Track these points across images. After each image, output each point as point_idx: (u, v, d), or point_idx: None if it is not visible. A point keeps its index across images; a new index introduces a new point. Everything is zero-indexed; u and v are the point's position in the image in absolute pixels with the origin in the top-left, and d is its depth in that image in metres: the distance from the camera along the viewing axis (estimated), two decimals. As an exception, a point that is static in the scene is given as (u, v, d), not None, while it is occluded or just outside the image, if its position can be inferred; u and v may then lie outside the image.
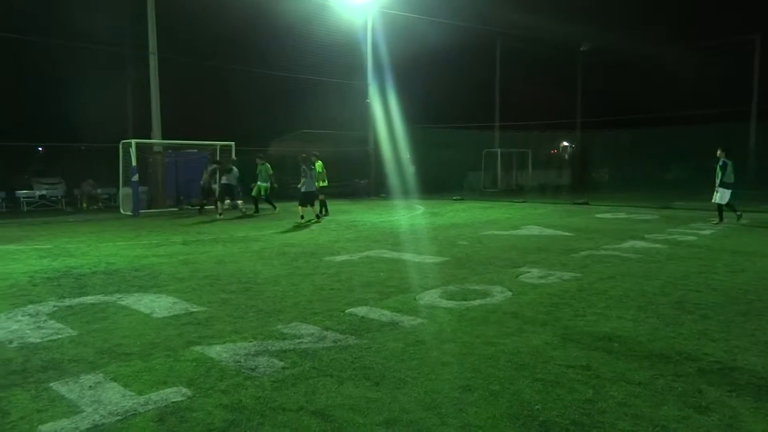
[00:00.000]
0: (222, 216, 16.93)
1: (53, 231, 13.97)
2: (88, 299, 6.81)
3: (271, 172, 18.21)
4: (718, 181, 13.58)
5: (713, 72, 32.37)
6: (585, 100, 38.32)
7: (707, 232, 12.60)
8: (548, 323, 5.65)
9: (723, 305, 6.27)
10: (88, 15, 23.76)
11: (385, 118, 27.67)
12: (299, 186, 15.33)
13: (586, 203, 20.37)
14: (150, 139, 20.41)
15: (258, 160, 18.25)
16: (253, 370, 4.44)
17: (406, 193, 25.41)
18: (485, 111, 34.55)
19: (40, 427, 3.54)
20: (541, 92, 34.48)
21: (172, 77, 22.05)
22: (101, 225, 15.42)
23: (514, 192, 29.36)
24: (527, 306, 6.31)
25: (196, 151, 21.93)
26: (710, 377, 4.23)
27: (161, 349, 4.95)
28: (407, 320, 5.78)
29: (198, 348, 4.97)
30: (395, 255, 9.84)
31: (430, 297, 6.77)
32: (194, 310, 6.28)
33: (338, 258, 9.59)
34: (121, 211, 19.12)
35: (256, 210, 18.33)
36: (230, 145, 20.75)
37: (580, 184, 34.43)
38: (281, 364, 4.57)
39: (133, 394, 4.00)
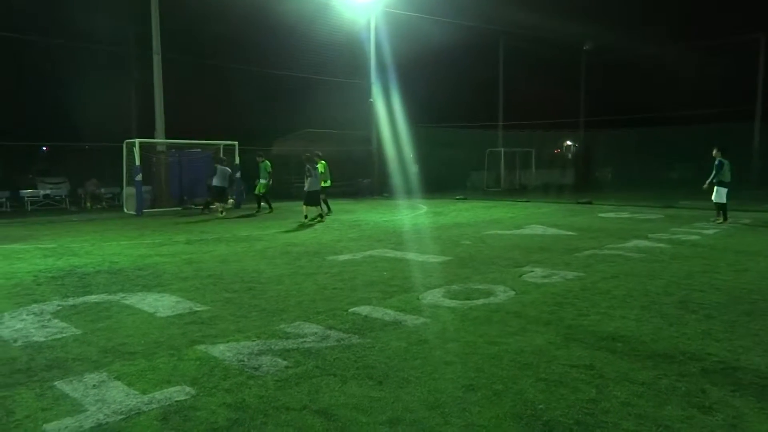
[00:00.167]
0: (224, 215, 16.93)
1: (57, 230, 14.02)
2: (92, 298, 6.83)
3: (269, 169, 18.23)
4: (714, 180, 13.79)
5: (717, 71, 32.29)
6: (588, 100, 38.25)
7: (711, 231, 12.56)
8: (551, 323, 5.64)
9: (727, 305, 6.26)
10: (91, 15, 23.82)
11: (389, 117, 27.67)
12: (305, 187, 15.32)
13: (590, 202, 20.33)
14: (153, 138, 20.45)
15: (258, 159, 18.34)
16: (256, 369, 4.45)
17: (409, 193, 25.41)
18: (488, 110, 34.53)
19: (44, 425, 3.55)
20: (545, 91, 34.42)
21: (175, 77, 22.09)
22: (105, 224, 15.46)
23: (517, 191, 29.32)
24: (530, 305, 6.31)
25: (199, 150, 21.96)
26: (714, 377, 4.23)
27: (165, 348, 4.96)
28: (410, 319, 5.78)
29: (201, 347, 4.98)
30: (398, 254, 9.84)
31: (433, 296, 6.77)
32: (198, 309, 6.29)
33: (341, 257, 9.59)
34: (125, 210, 19.17)
35: (258, 209, 18.39)
36: (233, 145, 20.79)
37: (584, 183, 34.37)
38: (284, 363, 4.58)
39: (136, 392, 4.01)
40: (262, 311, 6.17)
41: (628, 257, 9.35)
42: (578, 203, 20.40)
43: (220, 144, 20.94)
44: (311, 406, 3.79)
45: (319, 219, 15.56)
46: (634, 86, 36.03)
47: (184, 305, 6.45)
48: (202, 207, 18.84)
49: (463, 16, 29.17)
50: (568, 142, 41.80)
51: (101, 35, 23.87)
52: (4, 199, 20.23)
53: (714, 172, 13.75)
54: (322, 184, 16.65)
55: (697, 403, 3.79)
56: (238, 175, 20.79)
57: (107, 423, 3.56)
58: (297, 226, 14.37)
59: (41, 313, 6.17)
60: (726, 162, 13.71)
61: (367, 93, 27.63)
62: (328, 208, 17.34)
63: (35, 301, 6.69)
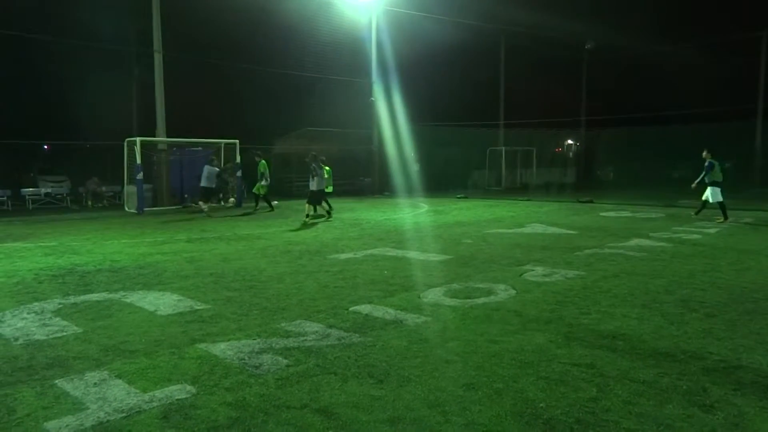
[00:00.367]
0: (205, 214, 16.75)
1: (58, 229, 14.03)
2: (93, 297, 6.84)
3: (262, 170, 18.30)
4: (707, 181, 14.08)
5: (719, 70, 32.23)
6: (590, 98, 38.21)
7: (712, 230, 12.55)
8: (552, 321, 5.64)
9: (728, 304, 6.25)
10: (93, 13, 23.84)
11: (390, 116, 27.65)
12: (311, 186, 15.26)
13: (591, 201, 20.31)
14: (154, 137, 20.47)
15: (256, 158, 18.43)
16: (257, 367, 4.45)
17: (410, 192, 25.40)
18: (490, 109, 34.49)
19: (45, 424, 3.55)
20: (546, 90, 34.39)
21: (177, 75, 22.09)
22: (106, 223, 15.47)
23: (518, 190, 29.30)
24: (531, 304, 6.30)
25: (200, 149, 21.97)
26: (715, 376, 4.22)
27: (166, 347, 4.96)
28: (411, 318, 5.78)
29: (202, 345, 4.98)
30: (399, 253, 9.84)
31: (434, 295, 6.77)
32: (199, 307, 6.29)
33: (342, 256, 9.59)
34: (126, 208, 19.18)
35: (256, 207, 18.54)
36: (234, 143, 20.80)
37: (585, 182, 34.37)
38: (285, 361, 4.58)
39: (137, 391, 4.01)
40: (262, 310, 6.17)
41: (629, 256, 9.34)
42: (579, 202, 20.39)
43: (221, 142, 20.95)
44: (312, 404, 3.79)
45: (327, 217, 15.47)
46: (636, 85, 35.99)
47: (185, 304, 6.45)
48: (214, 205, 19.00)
49: (465, 15, 29.15)
50: (569, 141, 41.76)
51: (103, 34, 23.86)
52: (5, 198, 20.26)
53: (704, 173, 14.07)
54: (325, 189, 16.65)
55: (698, 401, 3.79)
56: (239, 174, 20.81)
57: (108, 421, 3.57)
58: (299, 225, 14.37)
59: (42, 311, 6.18)
60: (716, 162, 14.02)
61: (369, 92, 27.61)
62: (329, 207, 17.32)
63: (36, 300, 6.70)
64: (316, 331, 5.35)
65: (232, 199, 20.61)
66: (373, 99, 27.57)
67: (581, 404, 3.75)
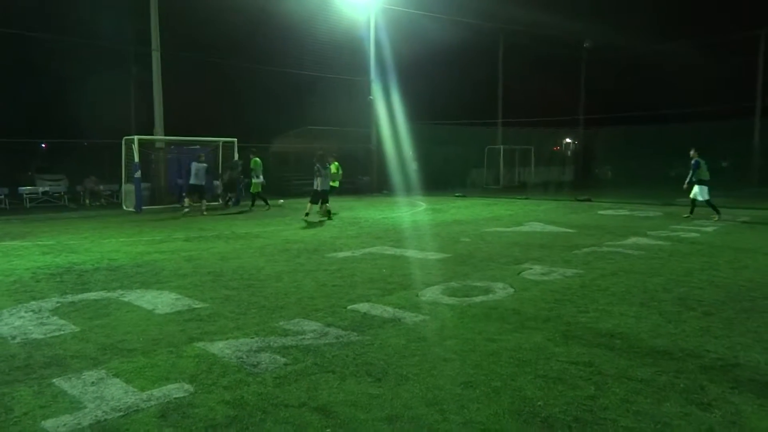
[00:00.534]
0: (186, 212, 16.57)
1: (56, 227, 14.00)
2: (91, 295, 6.83)
3: (254, 167, 18.38)
4: (694, 179, 14.27)
5: (717, 69, 32.25)
6: (588, 97, 38.23)
7: (710, 228, 12.57)
8: (550, 320, 5.64)
9: (725, 302, 6.26)
10: (91, 12, 23.79)
11: (388, 114, 27.63)
12: (315, 186, 15.25)
13: (589, 200, 20.33)
14: (152, 135, 20.43)
15: (251, 155, 18.50)
16: (255, 366, 4.45)
17: (408, 190, 25.39)
18: (488, 107, 34.48)
19: (43, 422, 3.55)
20: (544, 89, 34.39)
21: (175, 74, 22.05)
22: (104, 221, 15.45)
23: (516, 189, 29.31)
24: (529, 302, 6.31)
25: (198, 147, 21.92)
26: (713, 374, 4.23)
27: (163, 346, 4.96)
28: (409, 317, 5.78)
29: (200, 344, 4.98)
30: (397, 251, 9.84)
31: (432, 293, 6.77)
32: (197, 306, 6.29)
33: (341, 254, 9.59)
34: (124, 207, 19.15)
35: (252, 205, 18.57)
36: (232, 142, 20.78)
37: (583, 180, 34.40)
38: (283, 360, 4.57)
39: (135, 390, 4.01)
40: (261, 308, 6.17)
41: (627, 254, 9.35)
42: (577, 200, 20.40)
43: (219, 141, 20.92)
44: (310, 403, 3.79)
45: (327, 218, 15.45)
46: (634, 84, 36.01)
47: (183, 302, 6.45)
48: (224, 203, 19.01)
49: (463, 14, 29.13)
50: (568, 140, 41.78)
51: (101, 32, 23.81)
52: (2, 196, 20.20)
53: (691, 171, 14.24)
54: (331, 184, 16.64)
55: (695, 400, 3.79)
56: (228, 174, 20.75)
57: (106, 420, 3.56)
58: (294, 223, 14.36)
59: (40, 310, 6.17)
60: (702, 161, 14.19)
61: (367, 90, 27.60)
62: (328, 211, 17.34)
63: (34, 298, 6.69)
64: (315, 330, 5.35)
65: (230, 198, 20.59)
66: (371, 98, 27.55)
67: (579, 402, 3.75)
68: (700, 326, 5.39)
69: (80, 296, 6.79)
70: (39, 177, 22.99)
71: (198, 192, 17.02)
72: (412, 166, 28.16)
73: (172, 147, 21.58)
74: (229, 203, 19.50)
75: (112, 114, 24.84)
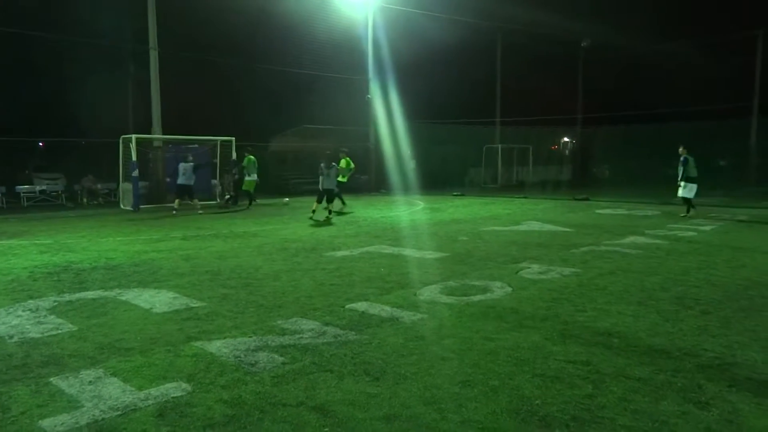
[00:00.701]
0: (175, 213, 16.56)
1: (53, 226, 13.97)
2: (89, 294, 6.82)
3: (245, 164, 18.48)
4: (681, 177, 14.47)
5: (715, 68, 32.28)
6: (586, 96, 38.24)
7: (707, 227, 12.59)
8: (548, 319, 5.65)
9: (723, 301, 6.27)
10: (89, 10, 23.72)
11: (386, 113, 27.61)
12: (324, 185, 15.37)
13: (587, 199, 20.35)
14: (150, 134, 20.39)
15: (245, 153, 18.59)
16: (253, 365, 4.45)
17: (406, 189, 25.39)
18: (486, 106, 34.48)
19: (40, 422, 3.54)
20: (542, 88, 34.39)
21: (172, 73, 22.00)
22: (101, 220, 15.42)
23: (514, 188, 29.32)
24: (527, 301, 6.31)
25: (196, 146, 21.90)
26: (710, 373, 4.24)
27: (161, 345, 4.95)
28: (407, 316, 5.78)
29: (198, 343, 4.98)
30: (395, 250, 9.84)
31: (430, 292, 6.77)
32: (194, 305, 6.28)
33: (339, 253, 9.59)
34: (122, 206, 19.12)
35: (250, 204, 18.69)
36: (230, 141, 20.75)
37: (581, 180, 34.41)
38: (281, 359, 4.57)
39: (133, 389, 4.00)
40: (259, 307, 6.17)
41: (624, 253, 9.36)
42: (575, 200, 20.41)
43: (217, 140, 20.90)
44: (308, 402, 3.79)
45: (327, 216, 15.47)
46: (632, 83, 36.02)
47: (180, 301, 6.44)
48: (230, 201, 19.03)
49: (461, 12, 29.12)
50: (566, 139, 41.80)
51: (99, 31, 23.74)
52: (0, 195, 20.16)
53: (681, 168, 14.43)
54: (339, 178, 16.81)
55: (693, 398, 3.80)
56: (235, 171, 20.76)
57: (103, 419, 3.56)
58: (298, 222, 14.35)
59: (37, 309, 6.16)
60: (690, 158, 14.38)
61: (365, 89, 27.58)
62: (315, 208, 17.46)
63: (31, 297, 6.67)
64: (312, 329, 5.35)
65: (228, 196, 20.56)
66: (369, 96, 27.54)
67: (577, 401, 3.76)
68: (698, 325, 5.40)
69: (78, 295, 6.78)
70: (36, 176, 22.93)
71: (187, 192, 17.01)
72: (410, 165, 28.15)
73: (170, 146, 21.55)
74: (229, 202, 19.48)
75: (110, 113, 24.76)
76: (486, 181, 32.04)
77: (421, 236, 11.85)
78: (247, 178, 18.58)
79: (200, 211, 16.73)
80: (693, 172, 14.36)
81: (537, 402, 3.75)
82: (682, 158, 14.40)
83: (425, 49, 28.67)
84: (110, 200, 21.48)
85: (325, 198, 15.20)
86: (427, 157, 28.64)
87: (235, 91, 29.79)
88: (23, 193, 20.75)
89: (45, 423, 3.52)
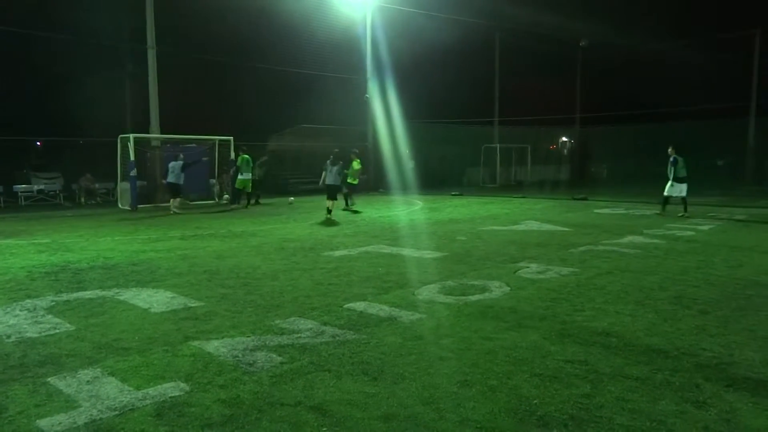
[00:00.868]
0: (176, 212, 16.67)
1: (51, 225, 13.95)
2: (86, 294, 6.81)
3: (239, 163, 18.61)
4: (671, 177, 14.60)
5: (714, 68, 32.32)
6: (584, 96, 38.27)
7: (705, 227, 12.61)
8: (546, 318, 5.65)
9: (721, 300, 6.28)
10: (86, 8, 23.66)
11: (385, 113, 27.60)
12: (326, 181, 15.63)
13: (585, 199, 20.36)
14: (148, 133, 20.36)
15: (240, 152, 18.63)
16: (251, 365, 4.44)
17: (405, 189, 25.39)
18: (485, 106, 34.49)
19: (37, 421, 3.54)
20: (540, 87, 34.41)
21: (170, 72, 21.97)
22: (99, 220, 15.40)
23: (513, 187, 29.33)
24: (525, 301, 6.32)
25: (194, 145, 21.87)
26: (708, 372, 4.24)
27: (159, 344, 4.95)
28: (405, 315, 5.78)
29: (196, 343, 4.97)
30: (394, 250, 9.84)
31: (429, 292, 6.77)
32: (192, 305, 6.27)
33: (337, 253, 9.58)
34: (119, 205, 19.09)
35: (247, 204, 18.70)
36: (229, 140, 20.73)
37: (579, 179, 34.46)
38: (279, 359, 4.57)
39: (130, 389, 4.00)
40: (257, 307, 6.16)
41: (623, 253, 9.37)
42: (574, 199, 20.43)
43: (215, 139, 20.88)
44: (306, 401, 3.78)
45: (327, 214, 15.49)
46: (630, 82, 36.05)
47: (178, 301, 6.43)
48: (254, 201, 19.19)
49: (459, 12, 29.12)
50: (564, 138, 41.84)
51: (97, 29, 23.69)
52: (-3, 194, 20.13)
53: (672, 168, 14.53)
54: (350, 180, 17.63)
55: (691, 398, 3.80)
56: (232, 172, 20.75)
57: (101, 419, 3.55)
58: (296, 222, 14.35)
59: (35, 308, 6.14)
60: (680, 159, 14.49)
61: (363, 89, 27.56)
62: (348, 203, 17.92)
63: (29, 297, 6.66)
64: (311, 329, 5.35)
65: (226, 196, 20.56)
66: (367, 96, 27.53)
67: (575, 400, 3.76)
68: (696, 324, 5.41)
69: (75, 295, 6.77)
70: (34, 175, 22.87)
71: (174, 190, 17.09)
72: (409, 164, 28.15)
73: (168, 145, 21.52)
74: (237, 201, 19.48)
75: (108, 112, 24.72)
76: (484, 181, 32.06)
77: (420, 236, 11.85)
78: (240, 177, 18.64)
79: (175, 211, 16.64)
80: (682, 173, 14.51)
81: (535, 401, 3.75)
82: (671, 158, 14.56)
83: (423, 49, 28.67)
84: (108, 200, 21.44)
85: (333, 195, 15.34)
86: (425, 157, 28.64)
87: (233, 91, 29.74)
88: (21, 192, 20.70)
89: (42, 423, 3.51)
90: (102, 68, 25.47)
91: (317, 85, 27.75)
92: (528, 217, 15.11)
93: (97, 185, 21.85)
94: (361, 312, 5.92)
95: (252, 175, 18.98)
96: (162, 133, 20.60)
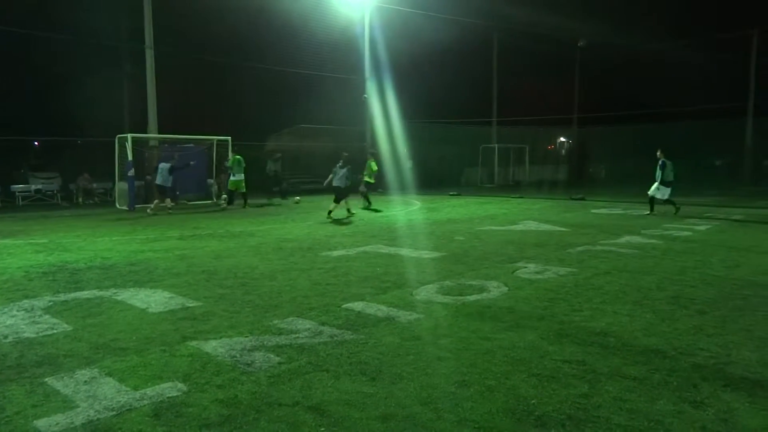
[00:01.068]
0: (150, 212, 16.57)
1: (49, 225, 13.92)
2: (84, 294, 6.80)
3: (229, 164, 18.74)
4: (658, 180, 14.75)
5: (712, 68, 32.38)
6: (582, 96, 38.31)
7: (703, 227, 12.63)
8: (544, 318, 5.66)
9: (718, 300, 6.29)
10: (85, 8, 23.63)
11: (383, 113, 27.60)
12: (335, 182, 15.67)
13: (583, 199, 20.38)
14: (146, 133, 20.33)
15: (232, 154, 18.72)
16: (249, 365, 4.44)
17: (403, 189, 25.38)
18: (482, 106, 34.51)
19: (35, 422, 3.53)
20: (539, 88, 34.45)
21: (169, 72, 21.95)
22: (97, 220, 15.37)
23: (511, 187, 29.36)
24: (523, 301, 6.32)
25: (192, 145, 21.86)
26: (705, 372, 4.25)
27: (157, 344, 4.94)
28: (404, 315, 5.78)
29: (194, 343, 4.96)
30: (392, 250, 9.84)
31: (427, 292, 6.77)
32: (190, 305, 6.27)
33: (335, 253, 9.58)
34: (117, 205, 19.07)
35: (245, 204, 18.71)
36: (227, 140, 20.72)
37: (577, 179, 34.49)
38: (277, 359, 4.57)
39: (128, 389, 3.99)
40: (255, 307, 6.16)
41: (620, 253, 9.38)
42: (571, 199, 20.45)
43: (213, 139, 20.86)
44: (304, 402, 3.78)
45: (327, 216, 15.44)
46: (627, 82, 36.11)
47: (176, 301, 6.42)
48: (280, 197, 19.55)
49: (458, 12, 29.13)
50: (562, 139, 41.88)
51: (95, 29, 23.66)
52: (-5, 194, 20.10)
53: (660, 171, 14.65)
54: (366, 179, 18.38)
55: (688, 398, 3.81)
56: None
57: (98, 419, 3.54)
58: (294, 222, 14.35)
59: (32, 309, 6.13)
60: (669, 162, 14.62)
61: (361, 89, 27.56)
62: (369, 202, 18.22)
63: (26, 297, 6.65)
64: (309, 329, 5.34)
65: (224, 196, 20.53)
66: (366, 96, 27.52)
67: (572, 400, 3.76)
68: (693, 325, 5.41)
69: (73, 295, 6.76)
70: (32, 175, 22.82)
71: (161, 191, 17.10)
72: (407, 164, 28.15)
73: (166, 145, 21.50)
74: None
75: (106, 112, 24.69)
76: (483, 181, 32.09)
77: (418, 236, 11.85)
78: (232, 178, 18.66)
79: (149, 212, 16.57)
80: (669, 176, 14.66)
81: (533, 401, 3.76)
82: (660, 161, 14.69)
83: (422, 49, 28.67)
84: (106, 200, 21.41)
85: (340, 196, 15.36)
86: (423, 157, 28.63)
87: (232, 91, 29.72)
88: (18, 192, 20.67)
89: (40, 423, 3.51)
90: (100, 68, 25.42)
91: (316, 85, 27.75)
92: (526, 217, 15.12)
93: (94, 185, 21.82)
94: (359, 312, 5.91)
95: (267, 171, 19.23)
96: (160, 133, 20.58)
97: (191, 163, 18.68)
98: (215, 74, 28.46)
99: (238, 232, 12.41)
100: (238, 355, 4.64)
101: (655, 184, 14.79)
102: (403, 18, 27.45)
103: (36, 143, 27.26)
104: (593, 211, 16.60)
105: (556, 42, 34.09)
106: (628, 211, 16.22)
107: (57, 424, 3.50)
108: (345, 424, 3.46)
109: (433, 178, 27.45)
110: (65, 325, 5.51)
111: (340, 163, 15.62)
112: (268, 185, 20.62)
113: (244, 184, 18.78)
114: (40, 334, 5.23)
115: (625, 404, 3.71)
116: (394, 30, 27.34)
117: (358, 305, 6.17)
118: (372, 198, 18.97)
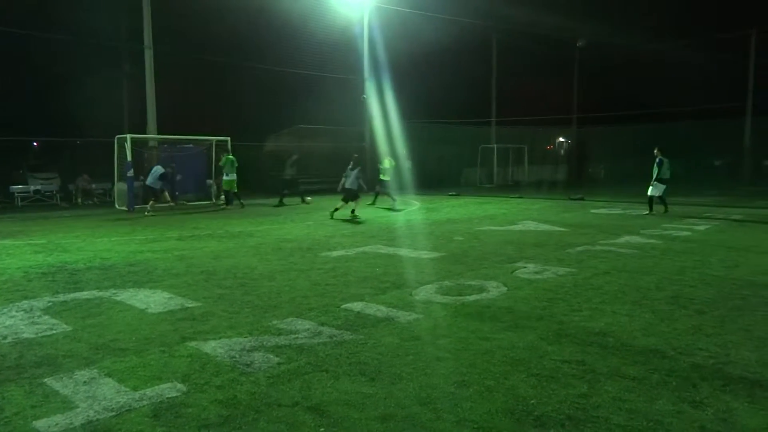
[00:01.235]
0: (149, 214, 16.60)
1: (48, 226, 13.92)
2: (83, 295, 6.79)
3: (221, 164, 18.85)
4: (655, 177, 14.83)
5: (711, 68, 32.40)
6: (581, 96, 38.33)
7: (702, 227, 12.64)
8: (543, 318, 5.66)
9: (717, 300, 6.29)
10: (85, 8, 23.62)
11: (382, 113, 27.59)
12: (348, 185, 15.80)
13: (582, 199, 20.39)
14: (145, 134, 20.32)
15: (224, 154, 18.94)
16: (248, 365, 4.44)
17: (402, 189, 25.36)
18: (482, 106, 34.52)
19: (34, 422, 3.53)
20: (538, 88, 34.46)
21: (169, 72, 21.95)
22: (96, 220, 15.36)
23: (510, 187, 29.35)
24: (523, 301, 6.32)
25: (191, 146, 21.85)
26: (704, 372, 4.25)
27: (156, 345, 4.94)
28: (403, 315, 5.78)
29: (193, 343, 4.96)
30: (391, 250, 9.84)
31: (426, 292, 6.77)
32: (189, 305, 6.26)
33: (334, 253, 9.58)
34: (116, 206, 19.06)
35: (242, 204, 18.71)
36: (226, 141, 20.70)
37: (576, 179, 34.50)
38: (277, 359, 4.56)
39: (127, 389, 3.99)
40: (254, 307, 6.15)
41: (619, 253, 9.38)
42: (571, 199, 20.45)
43: (212, 139, 20.86)
44: (303, 402, 3.78)
45: (330, 215, 15.46)
46: (627, 83, 36.14)
47: (175, 301, 6.42)
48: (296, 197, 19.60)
49: (457, 12, 29.14)
50: (561, 139, 41.90)
51: (94, 29, 23.66)
52: (-6, 195, 20.09)
53: (657, 169, 14.72)
54: (382, 177, 19.17)
55: (687, 397, 3.81)
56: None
57: (98, 420, 3.54)
58: (293, 222, 14.34)
59: (31, 309, 6.13)
60: (666, 160, 14.73)
61: (360, 89, 27.55)
62: (392, 199, 18.55)
63: (25, 298, 6.64)
64: (308, 329, 5.34)
65: (223, 197, 20.53)
66: (364, 96, 27.52)
67: (572, 400, 3.77)
68: (692, 324, 5.42)
69: (72, 295, 6.75)
70: (31, 175, 22.82)
71: (151, 192, 17.29)
72: (406, 164, 28.14)
73: (165, 146, 21.50)
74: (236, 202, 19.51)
75: (105, 112, 24.69)
76: (482, 181, 32.08)
77: (417, 236, 11.85)
78: (225, 178, 18.70)
79: (147, 213, 16.57)
80: (666, 174, 14.75)
81: (532, 401, 3.76)
82: (657, 159, 14.76)
83: (421, 49, 28.68)
84: (105, 200, 21.40)
85: (349, 197, 15.46)
86: (422, 157, 28.59)
87: (231, 91, 29.72)
88: (17, 192, 20.66)
89: (39, 424, 3.51)
90: (100, 68, 25.43)
91: (315, 86, 27.74)
92: (525, 217, 15.12)
93: (94, 186, 21.81)
94: (358, 312, 5.91)
95: (284, 174, 19.34)
96: (160, 133, 20.58)
97: (170, 168, 18.97)
98: (215, 74, 28.45)
99: (237, 233, 12.41)
100: (237, 356, 4.64)
101: (654, 183, 14.86)
102: (403, 18, 27.46)
103: (35, 144, 27.25)
104: (592, 211, 16.61)
105: (555, 42, 34.13)
106: (627, 211, 16.23)
107: (56, 424, 3.50)
108: (344, 425, 3.46)
109: (432, 179, 27.43)
110: (64, 326, 5.51)
111: (350, 165, 15.68)
112: (282, 188, 20.43)
113: (236, 184, 18.79)
114: (40, 335, 5.23)
115: (624, 404, 3.71)
116: (393, 30, 27.34)
117: (357, 305, 6.17)
118: (370, 198, 18.99)
